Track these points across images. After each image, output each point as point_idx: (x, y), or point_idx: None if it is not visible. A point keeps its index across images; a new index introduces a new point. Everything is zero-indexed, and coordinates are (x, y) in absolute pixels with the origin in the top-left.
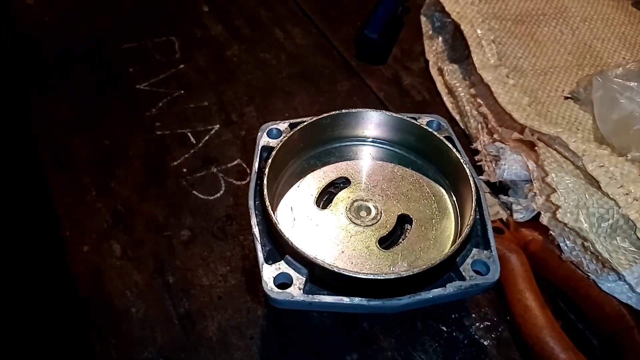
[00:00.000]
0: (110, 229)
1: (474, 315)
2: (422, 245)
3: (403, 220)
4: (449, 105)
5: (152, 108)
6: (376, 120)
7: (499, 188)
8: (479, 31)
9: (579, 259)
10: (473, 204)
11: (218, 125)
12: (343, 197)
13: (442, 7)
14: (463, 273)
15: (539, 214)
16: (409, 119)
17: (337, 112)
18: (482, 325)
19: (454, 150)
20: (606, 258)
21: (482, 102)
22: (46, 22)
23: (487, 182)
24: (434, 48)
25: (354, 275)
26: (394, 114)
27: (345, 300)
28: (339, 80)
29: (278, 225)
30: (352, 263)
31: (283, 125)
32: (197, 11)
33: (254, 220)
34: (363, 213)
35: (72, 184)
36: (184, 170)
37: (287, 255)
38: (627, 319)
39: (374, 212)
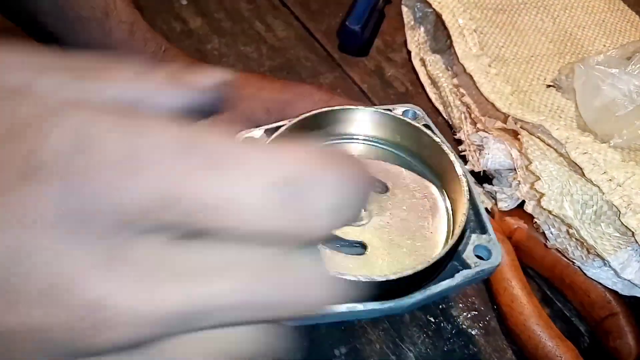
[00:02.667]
0: None
1: (461, 305)
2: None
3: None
4: (432, 95)
5: None
6: (350, 117)
7: (483, 177)
8: (460, 21)
9: (564, 246)
10: (464, 188)
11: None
12: None
13: None
14: (467, 260)
15: (523, 202)
16: (383, 110)
17: (310, 113)
18: (469, 315)
19: (433, 135)
20: (591, 244)
21: (464, 92)
22: None
23: (472, 172)
24: (415, 39)
25: (368, 279)
26: (367, 108)
27: (359, 307)
28: (322, 73)
29: None
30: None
31: (258, 133)
32: (176, 5)
33: None
34: None
35: None
36: None
37: None
38: (612, 305)
39: (363, 211)
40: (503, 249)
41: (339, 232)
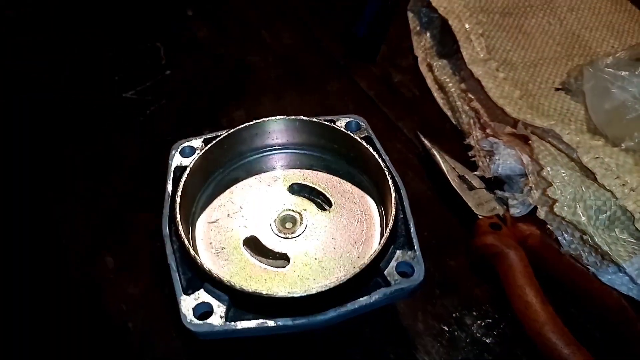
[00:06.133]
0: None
1: (475, 313)
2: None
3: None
4: (440, 101)
5: (140, 116)
6: (292, 127)
7: (495, 183)
8: (467, 25)
9: (578, 252)
10: (393, 204)
11: (208, 130)
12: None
13: (428, 3)
14: (388, 278)
15: (535, 208)
16: (325, 122)
17: (254, 122)
18: (483, 323)
19: (370, 149)
20: (606, 250)
21: (473, 97)
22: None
23: (482, 178)
24: (422, 44)
25: (272, 296)
26: (310, 119)
27: (270, 323)
28: (329, 80)
29: (191, 251)
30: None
31: (197, 142)
32: (182, 15)
33: (169, 249)
34: (288, 224)
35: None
36: None
37: (205, 283)
38: (628, 311)
39: (298, 223)
40: (425, 266)
41: (266, 241)
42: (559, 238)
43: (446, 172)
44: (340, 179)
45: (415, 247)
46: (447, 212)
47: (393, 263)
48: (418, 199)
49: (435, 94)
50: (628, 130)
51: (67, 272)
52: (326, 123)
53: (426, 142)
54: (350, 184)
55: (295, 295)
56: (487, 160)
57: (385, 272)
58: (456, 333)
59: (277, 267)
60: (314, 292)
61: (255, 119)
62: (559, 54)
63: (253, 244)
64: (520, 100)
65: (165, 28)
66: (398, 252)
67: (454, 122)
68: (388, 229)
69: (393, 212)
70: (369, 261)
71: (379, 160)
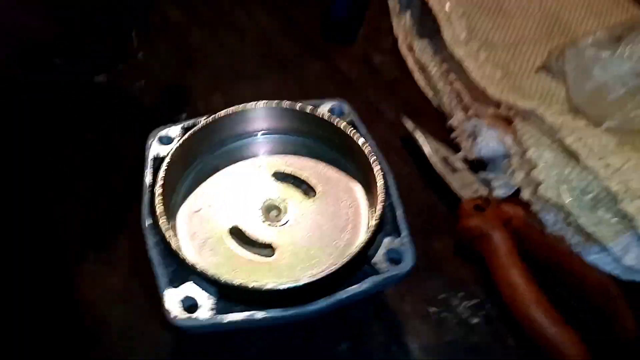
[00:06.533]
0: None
1: (461, 294)
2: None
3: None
4: (421, 82)
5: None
6: (275, 113)
7: (478, 164)
8: (447, 6)
9: (562, 233)
10: (379, 190)
11: (185, 114)
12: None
13: None
14: (377, 265)
15: (519, 189)
16: (308, 107)
17: (234, 109)
18: (469, 304)
19: (355, 134)
20: (591, 231)
21: (454, 78)
22: None
23: (465, 159)
24: (402, 24)
25: (260, 288)
26: (293, 104)
27: (259, 315)
28: (308, 63)
29: (173, 244)
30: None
31: (175, 130)
32: None
33: (150, 242)
34: (273, 212)
35: None
36: None
37: (191, 275)
38: (611, 290)
39: (282, 212)
40: (414, 252)
41: (251, 231)
42: (543, 219)
43: (429, 155)
44: (325, 165)
45: (404, 234)
46: (432, 194)
47: (382, 250)
48: (402, 181)
49: (415, 75)
50: (610, 110)
51: (66, 272)
52: (309, 108)
53: (409, 124)
54: (335, 170)
55: (284, 286)
56: (470, 141)
57: (374, 260)
58: (443, 314)
59: (263, 256)
60: (303, 283)
61: (235, 105)
62: (539, 35)
63: (238, 234)
64: (502, 81)
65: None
66: (386, 239)
67: (436, 104)
68: (376, 217)
69: (381, 199)
70: (357, 250)
71: (364, 146)
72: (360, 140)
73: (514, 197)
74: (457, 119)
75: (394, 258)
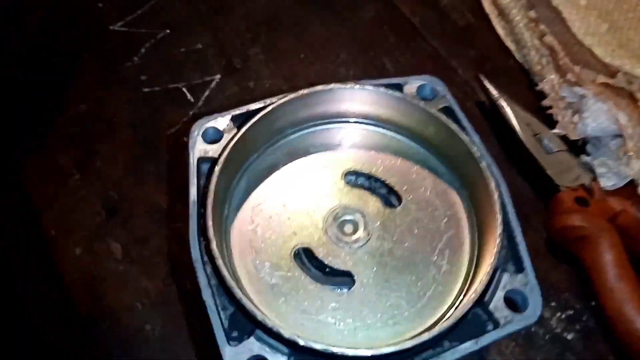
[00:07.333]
0: (104, 223)
1: (553, 304)
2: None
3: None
4: (501, 31)
5: (133, 56)
6: (350, 97)
7: (573, 142)
8: None
9: None
10: (497, 210)
11: (219, 75)
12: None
13: None
14: (495, 314)
15: (632, 180)
16: (390, 87)
17: (298, 93)
18: (563, 316)
19: (454, 126)
20: None
21: (546, 30)
22: None
23: (564, 138)
24: None
25: (356, 355)
26: (370, 85)
27: None
28: (363, 4)
29: (236, 290)
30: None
31: (223, 122)
32: None
33: (202, 279)
34: (348, 228)
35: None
36: (184, 139)
37: (257, 330)
38: None
39: (361, 227)
40: (541, 295)
41: (323, 254)
42: None
43: (518, 131)
44: (412, 165)
45: (528, 268)
46: (518, 178)
47: (500, 293)
48: None
49: (494, 21)
50: None
51: (65, 261)
52: (392, 91)
53: (492, 89)
54: (426, 172)
55: (379, 352)
56: (570, 115)
57: (491, 307)
58: (533, 329)
59: (337, 286)
60: (405, 348)
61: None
62: None
63: (305, 257)
64: (607, 36)
65: None
66: (505, 275)
67: (520, 59)
68: (496, 248)
69: (499, 230)
70: (473, 299)
71: (468, 142)
72: (462, 135)
73: (625, 188)
74: (549, 82)
75: (515, 302)
